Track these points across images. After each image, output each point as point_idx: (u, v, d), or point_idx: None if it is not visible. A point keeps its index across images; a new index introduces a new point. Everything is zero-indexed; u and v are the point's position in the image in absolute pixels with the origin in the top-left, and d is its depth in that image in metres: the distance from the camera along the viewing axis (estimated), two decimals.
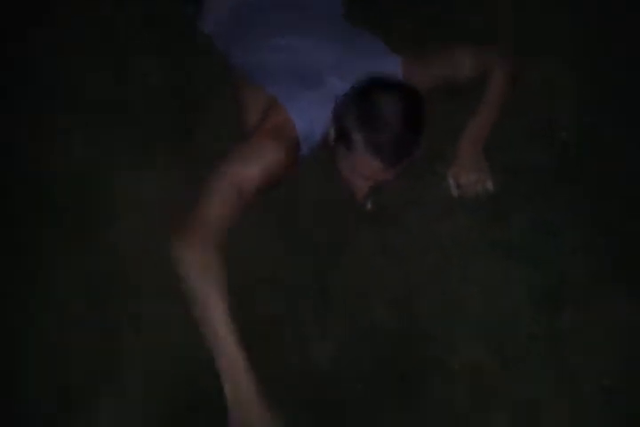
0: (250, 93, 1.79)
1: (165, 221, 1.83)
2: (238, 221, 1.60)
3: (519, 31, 2.17)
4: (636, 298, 1.92)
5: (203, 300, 1.52)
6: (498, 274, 1.94)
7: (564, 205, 1.99)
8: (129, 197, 1.96)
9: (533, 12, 2.20)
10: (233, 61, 1.87)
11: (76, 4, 2.11)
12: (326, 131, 1.69)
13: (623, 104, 2.09)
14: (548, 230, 1.97)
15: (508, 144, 2.00)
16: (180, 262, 1.54)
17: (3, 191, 1.95)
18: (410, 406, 1.83)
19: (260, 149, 1.64)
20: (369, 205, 1.94)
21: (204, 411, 1.80)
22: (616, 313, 1.91)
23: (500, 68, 1.90)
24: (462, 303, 1.91)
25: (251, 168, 1.62)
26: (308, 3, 1.90)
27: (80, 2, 2.12)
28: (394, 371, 1.85)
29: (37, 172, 1.97)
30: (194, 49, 2.07)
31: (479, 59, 1.87)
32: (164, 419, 1.80)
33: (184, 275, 1.54)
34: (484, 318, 1.90)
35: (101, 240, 1.92)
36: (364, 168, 1.61)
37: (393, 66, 1.76)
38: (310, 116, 1.70)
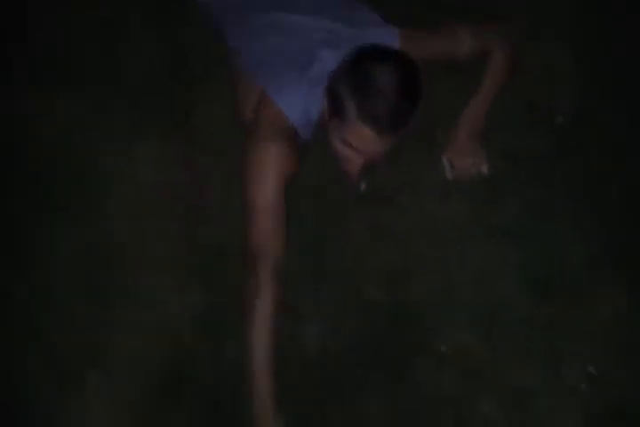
0: (243, 83, 1.79)
1: (160, 202, 1.88)
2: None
3: (520, 16, 2.15)
4: (633, 287, 1.92)
5: (249, 319, 1.67)
6: (492, 258, 1.94)
7: (560, 190, 1.99)
8: (124, 177, 1.96)
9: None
10: (229, 44, 1.87)
11: None
12: (322, 108, 1.68)
13: (623, 90, 2.08)
14: (544, 216, 1.97)
15: (505, 128, 1.99)
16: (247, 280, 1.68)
17: None
18: (397, 389, 1.84)
19: (265, 157, 1.68)
20: (363, 186, 1.93)
21: (191, 389, 1.83)
22: (609, 301, 1.91)
23: (501, 49, 1.87)
24: (455, 287, 1.92)
25: (267, 181, 1.68)
26: None
27: None
28: (382, 353, 1.86)
29: (33, 150, 1.98)
30: (193, 31, 2.07)
31: (479, 39, 1.85)
32: (151, 397, 1.82)
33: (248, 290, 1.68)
34: (475, 302, 1.91)
35: (96, 219, 1.93)
36: (356, 138, 1.57)
37: (390, 38, 1.73)
38: (302, 103, 1.69)
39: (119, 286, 1.87)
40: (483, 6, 2.15)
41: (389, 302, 1.89)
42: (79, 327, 1.84)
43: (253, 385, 1.66)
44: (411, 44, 1.75)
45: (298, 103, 1.69)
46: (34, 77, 2.02)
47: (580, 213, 1.97)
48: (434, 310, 1.89)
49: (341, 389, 1.83)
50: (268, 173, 1.68)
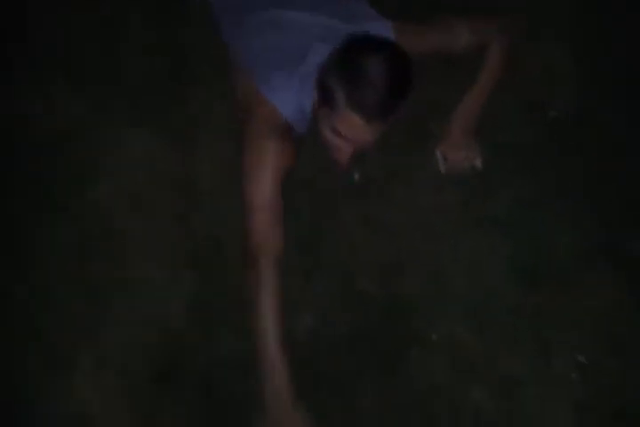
0: (242, 82, 1.82)
1: (159, 199, 1.92)
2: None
3: (520, 16, 2.17)
4: (620, 277, 1.94)
5: (256, 313, 1.68)
6: (483, 249, 1.96)
7: (551, 182, 2.01)
8: (123, 174, 1.99)
9: None
10: (228, 43, 1.91)
11: None
12: (313, 99, 1.69)
13: (622, 90, 2.09)
14: (534, 207, 1.99)
15: (498, 121, 2.01)
16: (247, 278, 1.70)
17: None
18: (390, 380, 1.87)
19: (261, 156, 1.69)
20: (357, 177, 1.96)
21: (182, 375, 1.86)
22: (596, 291, 1.93)
23: (499, 43, 1.87)
24: (446, 277, 1.94)
25: (264, 177, 1.69)
26: None
27: None
28: (375, 344, 1.89)
29: (32, 149, 2.00)
30: (192, 31, 2.09)
31: (477, 32, 1.85)
32: (146, 386, 1.85)
33: (249, 288, 1.69)
34: (466, 292, 1.93)
35: (86, 201, 1.96)
36: (345, 126, 1.57)
37: (386, 31, 1.73)
38: (295, 98, 1.70)
39: (115, 276, 1.90)
40: (482, 6, 2.17)
41: (382, 293, 1.92)
42: (73, 317, 1.87)
43: (268, 377, 1.67)
44: (407, 37, 1.75)
45: (290, 98, 1.70)
46: (34, 77, 2.04)
47: (568, 204, 1.99)
48: (425, 301, 1.92)
49: (334, 381, 1.86)
50: (266, 172, 1.70)
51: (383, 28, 1.76)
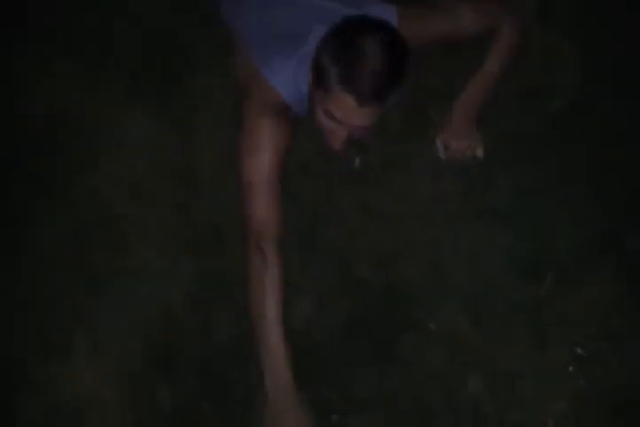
0: (241, 57, 1.80)
1: (154, 176, 1.90)
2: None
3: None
4: (621, 269, 1.92)
5: (257, 297, 1.68)
6: (482, 240, 1.94)
7: (553, 171, 1.98)
8: (114, 146, 1.98)
9: None
10: (228, 20, 1.88)
11: None
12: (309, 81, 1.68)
13: (623, 75, 2.06)
14: (536, 198, 1.97)
15: (499, 109, 1.98)
16: (248, 265, 1.70)
17: None
18: (385, 367, 1.85)
19: (258, 134, 1.68)
20: (357, 163, 1.95)
21: (182, 361, 1.85)
22: (598, 283, 1.91)
23: (510, 25, 1.83)
24: (445, 268, 1.93)
25: (261, 157, 1.68)
26: None
27: None
28: (372, 331, 1.87)
29: (25, 117, 1.99)
30: (189, 2, 2.07)
31: (481, 14, 1.80)
32: (142, 368, 1.84)
33: (248, 276, 1.69)
34: (465, 282, 1.91)
35: (85, 185, 1.94)
36: (339, 109, 1.54)
37: (387, 15, 1.69)
38: (293, 80, 1.68)
39: (114, 263, 1.89)
40: None
41: (380, 281, 1.90)
42: (72, 304, 1.86)
43: (268, 362, 1.66)
44: (410, 21, 1.72)
45: (289, 80, 1.68)
46: (33, 62, 2.03)
47: (570, 194, 1.96)
48: (423, 290, 1.90)
49: (329, 367, 1.84)
50: (263, 151, 1.69)
51: (386, 13, 1.72)
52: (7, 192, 1.94)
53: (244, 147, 1.71)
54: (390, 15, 1.72)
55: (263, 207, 1.69)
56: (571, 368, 1.84)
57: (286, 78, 1.69)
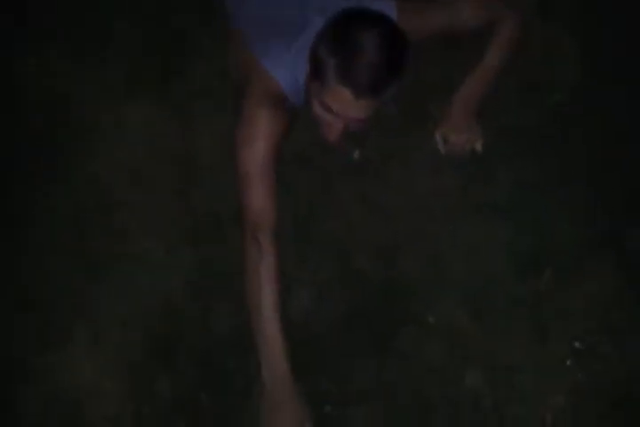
0: (236, 43, 1.81)
1: (150, 161, 1.91)
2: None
3: None
4: (620, 265, 1.93)
5: (254, 287, 1.65)
6: (481, 234, 1.95)
7: (553, 167, 1.98)
8: (114, 128, 1.99)
9: None
10: (227, 7, 1.89)
11: None
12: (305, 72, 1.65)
13: (624, 71, 2.05)
14: (536, 193, 1.97)
15: (499, 103, 1.96)
16: (244, 256, 1.67)
17: None
18: (384, 359, 1.85)
19: (255, 124, 1.66)
20: (356, 155, 1.95)
21: (181, 350, 1.85)
22: (597, 279, 1.91)
23: (511, 19, 1.80)
24: (444, 261, 1.93)
25: (257, 146, 1.66)
26: None
27: None
28: (370, 323, 1.87)
29: (25, 102, 2.00)
30: None
31: (481, 9, 1.77)
32: (141, 356, 1.85)
33: (244, 266, 1.67)
34: (464, 277, 1.91)
35: (85, 171, 1.95)
36: (335, 101, 1.52)
37: (387, 9, 1.66)
38: (290, 71, 1.67)
39: (114, 250, 1.90)
40: None
41: (379, 274, 1.90)
42: (71, 290, 1.87)
43: (265, 353, 1.64)
44: (409, 15, 1.70)
45: (286, 70, 1.67)
46: (32, 36, 2.03)
47: (570, 190, 1.96)
48: (422, 283, 1.90)
49: (328, 358, 1.85)
50: (260, 145, 1.67)
51: (385, 6, 1.70)
52: (7, 179, 1.95)
53: (240, 137, 1.70)
54: (389, 9, 1.70)
55: (259, 197, 1.68)
56: (569, 362, 1.84)
57: (284, 68, 1.68)
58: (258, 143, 1.68)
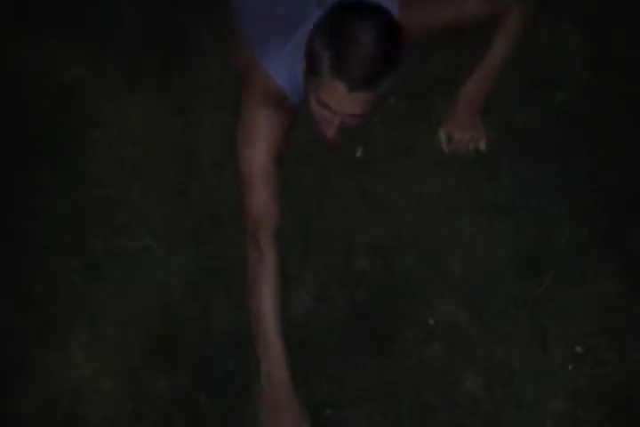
0: (238, 41, 1.78)
1: (150, 156, 1.90)
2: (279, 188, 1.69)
3: None
4: (621, 266, 1.92)
5: (254, 288, 1.67)
6: (482, 234, 1.93)
7: (555, 167, 1.97)
8: (115, 124, 1.97)
9: None
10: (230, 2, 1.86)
11: None
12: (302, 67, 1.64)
13: (629, 71, 2.03)
14: (536, 192, 1.95)
15: (503, 101, 1.95)
16: (246, 253, 1.69)
17: None
18: (383, 360, 1.85)
19: (255, 125, 1.67)
20: (359, 152, 1.93)
21: (181, 350, 1.84)
22: (598, 281, 1.91)
23: (517, 10, 1.79)
24: (444, 260, 1.92)
25: (258, 147, 1.66)
26: None
27: None
28: (369, 321, 1.87)
29: (24, 96, 1.98)
30: None
31: (484, 1, 1.76)
32: (139, 356, 1.84)
33: (246, 265, 1.69)
34: (466, 277, 1.90)
35: (85, 170, 1.93)
36: (330, 96, 1.52)
37: (388, 4, 1.63)
38: (288, 68, 1.66)
39: (113, 247, 1.89)
40: None
41: (379, 273, 1.89)
42: (70, 288, 1.86)
43: (265, 357, 1.66)
44: (411, 8, 1.69)
45: (284, 68, 1.66)
46: (33, 33, 2.01)
47: (569, 191, 1.95)
48: (424, 285, 1.89)
49: (327, 358, 1.84)
50: (261, 146, 1.67)
51: (386, 1, 1.66)
52: (6, 173, 1.93)
53: (241, 138, 1.70)
54: (391, 1, 1.67)
55: (261, 198, 1.68)
56: (570, 366, 1.84)
57: (283, 66, 1.66)
58: (259, 144, 1.67)
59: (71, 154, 1.94)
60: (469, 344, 1.85)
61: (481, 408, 1.81)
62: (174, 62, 1.99)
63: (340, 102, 1.52)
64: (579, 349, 1.85)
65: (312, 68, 1.52)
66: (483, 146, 1.93)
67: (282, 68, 1.66)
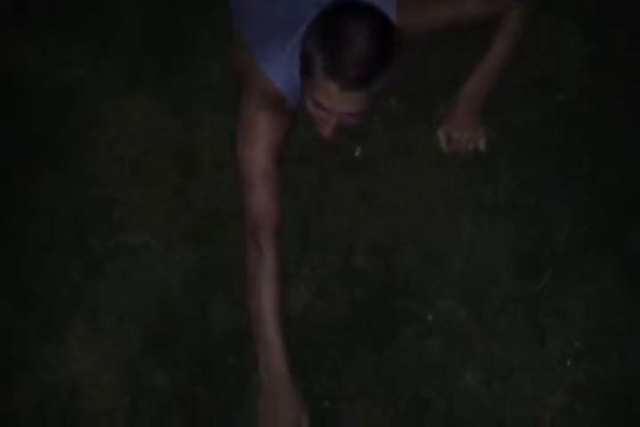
0: (238, 42, 1.79)
1: (149, 155, 1.91)
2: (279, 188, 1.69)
3: None
4: (620, 265, 1.92)
5: (254, 287, 1.68)
6: (482, 234, 1.94)
7: (555, 167, 1.97)
8: (114, 124, 1.98)
9: None
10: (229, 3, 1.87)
11: None
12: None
13: (629, 71, 2.03)
14: (538, 192, 1.96)
15: (503, 101, 1.96)
16: (246, 252, 1.70)
17: None
18: (382, 356, 1.85)
19: (254, 126, 1.68)
20: (358, 152, 1.94)
21: (179, 346, 1.85)
22: (597, 279, 1.91)
23: (517, 10, 1.79)
24: (443, 259, 1.92)
25: (258, 148, 1.67)
26: None
27: None
28: (369, 319, 1.87)
29: (24, 94, 1.99)
30: None
31: (484, 0, 1.76)
32: (138, 351, 1.84)
33: (245, 265, 1.70)
34: (464, 274, 1.91)
35: (85, 169, 1.95)
36: (324, 97, 1.52)
37: (387, 5, 1.63)
38: (287, 70, 1.65)
39: (112, 245, 1.90)
40: None
41: (378, 271, 1.90)
42: (69, 285, 1.87)
43: (264, 355, 1.67)
44: (409, 9, 1.69)
45: (283, 70, 1.66)
46: (33, 33, 2.02)
47: (569, 191, 1.96)
48: (423, 283, 1.89)
49: (326, 354, 1.84)
50: (261, 147, 1.68)
51: (384, 2, 1.65)
52: (6, 170, 1.94)
53: (241, 138, 1.71)
54: (389, 2, 1.67)
55: (261, 199, 1.69)
56: (569, 362, 1.84)
57: (281, 68, 1.66)
58: (258, 144, 1.68)
59: (71, 154, 1.95)
60: (468, 340, 1.85)
61: (479, 403, 1.81)
62: (174, 62, 2.01)
63: (334, 102, 1.53)
64: (577, 344, 1.85)
65: (306, 70, 1.52)
66: (482, 146, 1.94)
67: (280, 70, 1.67)
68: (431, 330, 1.86)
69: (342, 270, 1.90)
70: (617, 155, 1.99)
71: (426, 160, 1.96)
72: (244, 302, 1.71)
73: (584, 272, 1.91)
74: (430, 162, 1.96)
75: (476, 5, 1.78)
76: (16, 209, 1.92)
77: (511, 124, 1.99)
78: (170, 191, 1.93)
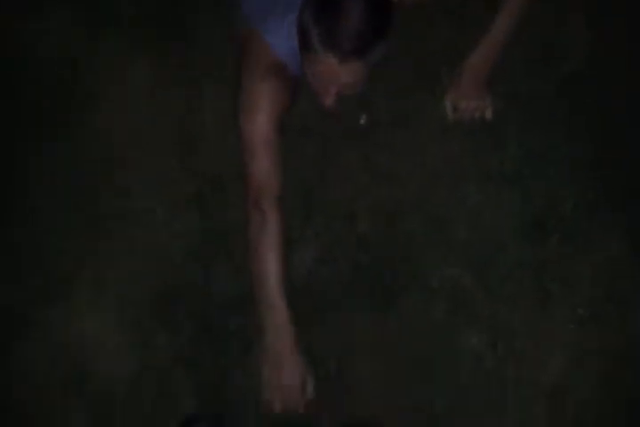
0: (239, 14, 1.81)
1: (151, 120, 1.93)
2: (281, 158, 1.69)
3: None
4: (625, 231, 1.91)
5: (257, 254, 1.67)
6: (488, 201, 1.94)
7: (561, 136, 1.97)
8: (116, 93, 1.99)
9: None
10: None
11: None
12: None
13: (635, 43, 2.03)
14: (544, 162, 1.96)
15: (509, 71, 1.95)
16: (249, 219, 1.68)
17: None
18: (387, 320, 1.86)
19: (256, 94, 1.68)
20: (363, 120, 1.95)
21: (182, 309, 1.87)
22: (602, 245, 1.91)
23: None
24: (448, 226, 1.92)
25: (260, 116, 1.67)
26: None
27: None
28: (372, 284, 1.88)
29: (31, 78, 2.00)
30: None
31: None
32: (141, 314, 1.87)
33: (247, 232, 1.68)
34: (469, 241, 1.91)
35: (86, 131, 1.96)
36: (322, 68, 1.52)
37: None
38: (289, 40, 1.63)
39: (115, 207, 1.92)
40: None
41: (382, 237, 1.90)
42: (73, 247, 1.89)
43: (269, 320, 1.66)
44: None
45: (284, 39, 1.66)
46: (34, 6, 2.03)
47: (577, 160, 1.95)
48: (428, 249, 1.90)
49: (329, 316, 1.86)
50: (262, 114, 1.67)
51: None
52: (8, 135, 1.95)
53: (242, 107, 1.70)
54: None
55: (263, 166, 1.68)
56: (572, 327, 1.84)
57: (283, 40, 1.67)
58: (261, 112, 1.68)
59: (74, 125, 1.97)
60: (472, 305, 1.85)
61: (482, 365, 1.82)
62: (175, 32, 2.02)
63: (333, 74, 1.53)
64: (582, 311, 1.85)
65: (304, 44, 1.53)
66: (489, 114, 1.93)
67: (282, 41, 1.67)
68: (436, 295, 1.86)
69: (345, 237, 1.90)
70: (627, 123, 1.98)
71: (430, 129, 1.96)
72: (246, 267, 1.70)
73: (590, 240, 1.90)
74: (435, 130, 1.96)
75: None
76: (18, 178, 1.94)
77: (518, 94, 1.98)
78: (172, 158, 1.95)
